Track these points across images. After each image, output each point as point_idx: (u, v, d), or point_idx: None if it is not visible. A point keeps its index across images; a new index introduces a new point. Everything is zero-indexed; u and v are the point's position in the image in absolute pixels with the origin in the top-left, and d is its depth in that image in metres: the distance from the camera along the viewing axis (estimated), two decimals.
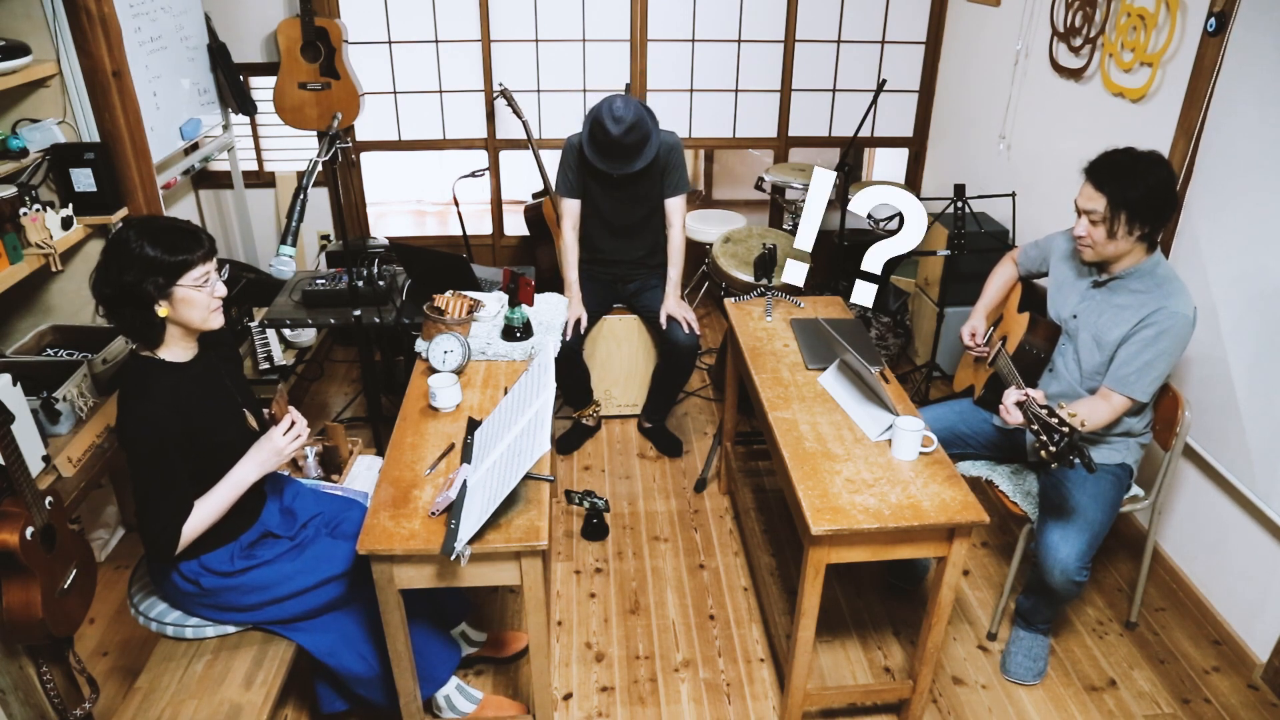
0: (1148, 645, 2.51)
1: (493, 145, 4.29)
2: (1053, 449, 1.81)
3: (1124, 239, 2.09)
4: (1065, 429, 1.81)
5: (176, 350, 1.80)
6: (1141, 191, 2.03)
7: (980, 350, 2.51)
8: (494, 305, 2.54)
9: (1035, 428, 1.87)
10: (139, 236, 1.70)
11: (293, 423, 1.90)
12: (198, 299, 1.75)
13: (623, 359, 3.45)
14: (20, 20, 2.55)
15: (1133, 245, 2.11)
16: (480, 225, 4.68)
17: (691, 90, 4.29)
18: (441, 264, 2.94)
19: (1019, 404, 1.99)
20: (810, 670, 2.30)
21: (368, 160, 4.39)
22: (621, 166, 2.92)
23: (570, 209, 3.12)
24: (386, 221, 5.53)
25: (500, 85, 4.00)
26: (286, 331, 3.66)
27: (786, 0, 4.11)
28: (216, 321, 1.81)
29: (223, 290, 1.80)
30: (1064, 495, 2.20)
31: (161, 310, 1.72)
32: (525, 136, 3.86)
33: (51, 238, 2.51)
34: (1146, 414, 2.27)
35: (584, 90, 4.23)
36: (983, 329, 2.54)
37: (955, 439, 2.46)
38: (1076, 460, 1.81)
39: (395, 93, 4.18)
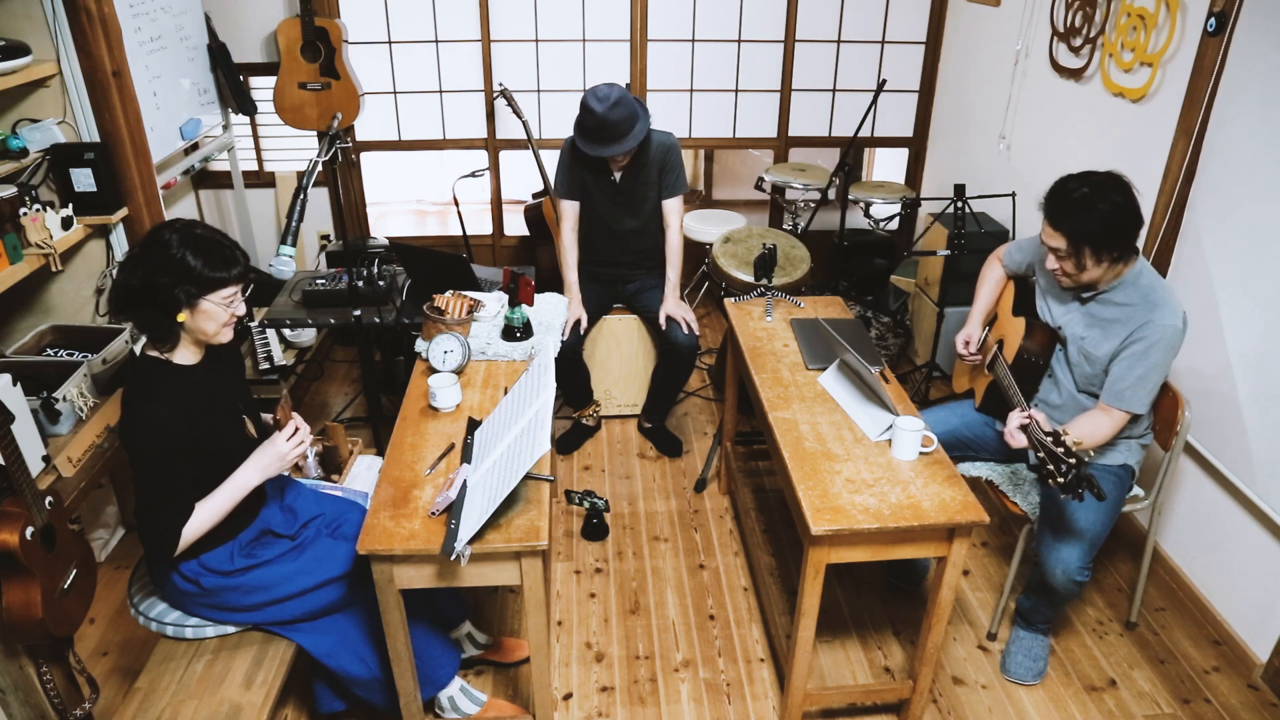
0: (1148, 645, 2.51)
1: (493, 145, 4.29)
2: (1061, 480, 1.80)
3: (1095, 268, 2.08)
4: (1072, 460, 1.79)
5: (184, 354, 1.81)
6: (1097, 223, 2.00)
7: (974, 358, 2.49)
8: (494, 305, 2.54)
9: (1041, 455, 1.86)
10: (182, 243, 1.71)
11: (296, 429, 1.91)
12: (219, 314, 1.77)
13: (623, 359, 3.45)
14: (20, 20, 2.55)
15: (1107, 269, 2.09)
16: (480, 225, 4.68)
17: (691, 90, 4.29)
18: (441, 264, 2.94)
19: (1023, 427, 1.98)
20: (810, 670, 2.30)
21: (368, 160, 4.39)
22: (610, 147, 2.87)
23: (569, 210, 3.12)
24: (386, 221, 5.53)
25: (500, 85, 4.01)
26: (286, 331, 3.66)
27: (786, 0, 4.12)
28: (227, 336, 1.84)
29: (242, 309, 1.82)
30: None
31: (181, 317, 1.74)
32: (525, 136, 3.86)
33: (51, 238, 2.51)
34: (1147, 416, 2.27)
35: (584, 90, 4.22)
36: (978, 336, 2.51)
37: (958, 443, 2.45)
38: (1086, 493, 1.79)
39: (395, 93, 4.18)
